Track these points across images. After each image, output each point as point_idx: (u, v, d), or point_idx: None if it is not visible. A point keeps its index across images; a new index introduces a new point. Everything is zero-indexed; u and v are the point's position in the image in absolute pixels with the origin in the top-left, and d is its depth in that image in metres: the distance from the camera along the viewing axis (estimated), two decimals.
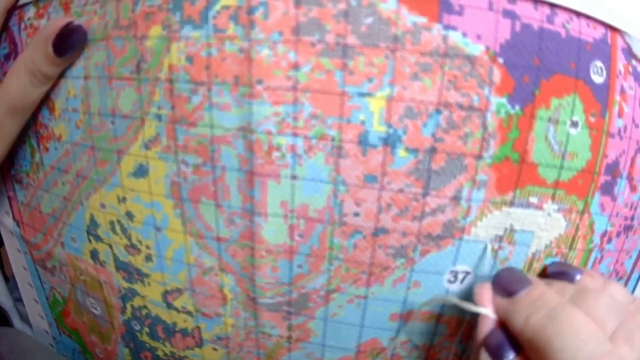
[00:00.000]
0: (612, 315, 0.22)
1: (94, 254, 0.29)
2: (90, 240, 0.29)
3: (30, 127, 0.30)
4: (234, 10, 0.22)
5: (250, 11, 0.22)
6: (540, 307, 0.22)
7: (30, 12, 0.28)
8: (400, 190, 0.23)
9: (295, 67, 0.22)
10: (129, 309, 0.30)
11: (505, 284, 0.23)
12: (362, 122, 0.22)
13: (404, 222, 0.24)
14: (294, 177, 0.23)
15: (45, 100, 0.28)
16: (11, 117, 0.28)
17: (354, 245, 0.24)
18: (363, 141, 0.23)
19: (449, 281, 0.25)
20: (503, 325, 0.23)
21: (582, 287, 0.23)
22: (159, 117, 0.24)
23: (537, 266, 0.25)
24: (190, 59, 0.23)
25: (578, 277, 0.24)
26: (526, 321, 0.21)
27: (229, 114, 0.23)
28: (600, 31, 0.24)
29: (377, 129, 0.22)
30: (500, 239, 0.24)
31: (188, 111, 0.24)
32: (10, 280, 0.39)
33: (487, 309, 0.23)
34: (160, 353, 0.30)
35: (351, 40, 0.22)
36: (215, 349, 0.29)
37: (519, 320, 0.22)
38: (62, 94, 0.27)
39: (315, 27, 0.22)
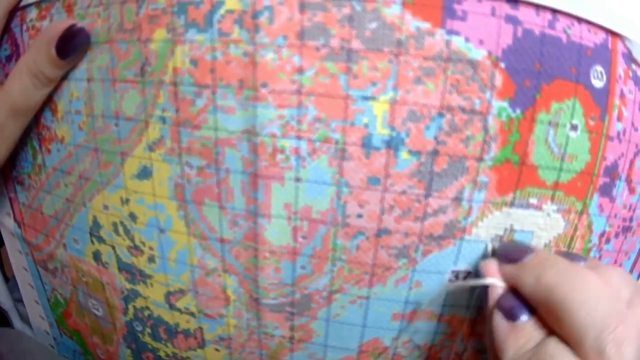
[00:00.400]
0: (625, 285, 0.22)
1: (96, 256, 0.29)
2: (92, 242, 0.29)
3: (32, 129, 0.30)
4: (238, 15, 0.23)
5: (255, 15, 0.22)
6: (550, 266, 0.21)
7: (33, 13, 0.28)
8: (403, 192, 0.23)
9: (300, 71, 0.22)
10: (131, 310, 0.30)
11: (510, 254, 0.23)
12: (366, 125, 0.23)
13: (407, 222, 0.24)
14: (297, 180, 0.24)
15: (48, 102, 0.28)
16: (13, 119, 0.27)
17: (357, 247, 0.24)
18: (366, 144, 0.23)
19: (450, 281, 0.25)
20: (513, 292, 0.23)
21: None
22: (163, 120, 0.25)
23: None
24: (194, 62, 0.23)
25: (582, 263, 0.24)
26: (537, 281, 0.21)
27: (233, 116, 0.23)
28: (601, 36, 0.24)
29: (381, 131, 0.23)
30: (500, 238, 0.25)
31: (192, 114, 0.24)
32: (10, 281, 0.39)
33: (495, 279, 0.23)
34: (162, 354, 0.31)
35: (355, 44, 0.22)
36: (217, 350, 0.29)
37: (530, 281, 0.22)
38: (65, 96, 0.27)
39: (319, 31, 0.22)
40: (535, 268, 0.22)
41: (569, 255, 0.24)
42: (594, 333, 0.19)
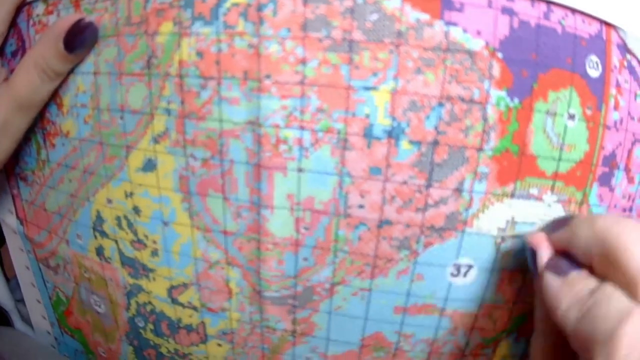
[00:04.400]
0: None
1: (99, 251, 0.29)
2: (95, 237, 0.29)
3: (37, 124, 0.30)
4: (243, 7, 0.23)
5: (260, 8, 0.23)
6: (602, 215, 0.22)
7: (39, 8, 0.29)
8: (404, 182, 0.24)
9: (303, 62, 0.23)
10: (133, 306, 0.30)
11: (558, 221, 0.23)
12: (367, 116, 0.23)
13: (408, 213, 0.24)
14: (300, 170, 0.24)
15: (53, 97, 0.28)
16: (19, 114, 0.28)
17: (359, 237, 0.25)
18: (368, 134, 0.23)
19: (452, 274, 0.25)
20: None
21: None
22: (168, 112, 0.25)
23: None
24: (200, 54, 0.24)
25: None
26: (593, 226, 0.21)
27: (237, 108, 0.24)
28: (595, 27, 0.25)
29: (382, 122, 0.23)
30: (502, 231, 0.25)
31: (197, 106, 0.24)
32: (11, 281, 0.39)
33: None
34: (164, 350, 0.30)
35: (357, 35, 0.23)
36: (219, 345, 0.29)
37: (585, 231, 0.21)
38: (71, 90, 0.28)
39: (322, 23, 0.23)
40: (588, 219, 0.22)
41: None
42: None
